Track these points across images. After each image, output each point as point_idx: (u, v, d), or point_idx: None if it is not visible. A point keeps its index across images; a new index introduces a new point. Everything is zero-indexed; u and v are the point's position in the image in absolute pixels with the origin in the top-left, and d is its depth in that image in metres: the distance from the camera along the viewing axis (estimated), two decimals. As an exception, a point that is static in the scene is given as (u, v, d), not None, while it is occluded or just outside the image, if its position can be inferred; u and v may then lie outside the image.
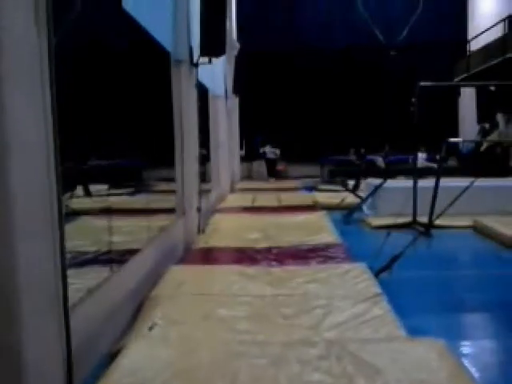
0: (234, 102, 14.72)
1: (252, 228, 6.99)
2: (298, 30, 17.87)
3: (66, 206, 2.64)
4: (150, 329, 3.27)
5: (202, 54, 6.15)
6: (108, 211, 4.45)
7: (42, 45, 2.28)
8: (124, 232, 4.81)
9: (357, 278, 4.31)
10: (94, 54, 4.29)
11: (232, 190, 12.78)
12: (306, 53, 17.53)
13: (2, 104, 2.02)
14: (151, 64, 5.98)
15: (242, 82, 14.58)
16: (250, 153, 17.58)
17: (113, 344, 3.18)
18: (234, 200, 10.77)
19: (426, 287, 4.83)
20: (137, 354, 2.86)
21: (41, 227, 2.30)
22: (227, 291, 4.09)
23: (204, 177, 8.64)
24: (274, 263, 5.06)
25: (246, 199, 10.64)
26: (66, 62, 2.64)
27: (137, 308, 3.73)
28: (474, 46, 15.29)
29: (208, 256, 5.60)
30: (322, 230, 6.78)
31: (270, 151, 15.72)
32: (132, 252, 4.18)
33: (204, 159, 8.13)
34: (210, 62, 6.45)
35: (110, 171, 5.31)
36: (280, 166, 17.68)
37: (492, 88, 14.02)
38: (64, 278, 2.44)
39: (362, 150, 13.44)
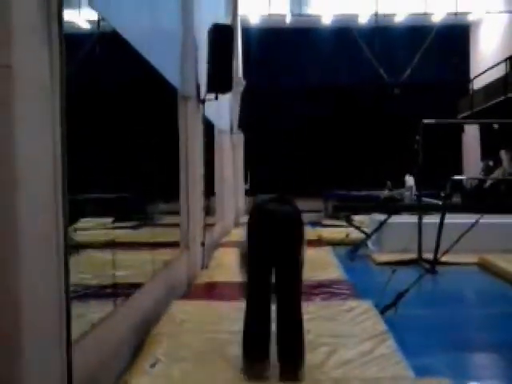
0: (239, 136, 14.88)
1: (256, 263, 6.94)
2: (303, 68, 18.19)
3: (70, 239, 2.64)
4: (153, 366, 3.22)
5: (209, 90, 6.26)
6: (111, 244, 4.43)
7: (54, 82, 2.33)
8: (126, 266, 4.78)
9: (362, 315, 4.25)
10: (102, 91, 4.38)
11: (236, 224, 12.76)
12: (310, 90, 17.80)
13: (12, 139, 2.05)
14: (158, 100, 6.08)
15: (248, 118, 14.77)
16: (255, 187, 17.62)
17: (115, 381, 3.12)
18: (238, 234, 10.74)
19: (432, 325, 4.77)
20: (138, 392, 2.81)
21: (46, 260, 2.30)
22: (230, 328, 4.03)
23: (208, 210, 8.65)
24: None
25: (250, 234, 10.59)
26: (74, 97, 2.69)
27: (139, 344, 3.68)
28: (477, 84, 15.52)
29: (211, 291, 5.55)
30: (327, 265, 6.73)
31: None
32: (135, 286, 4.15)
33: (208, 193, 8.16)
34: (216, 98, 6.55)
35: (114, 204, 5.33)
36: None
37: (495, 126, 14.15)
38: (68, 312, 2.42)
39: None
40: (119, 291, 3.93)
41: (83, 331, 2.85)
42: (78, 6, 3.62)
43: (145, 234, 6.61)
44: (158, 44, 4.88)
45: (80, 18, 3.82)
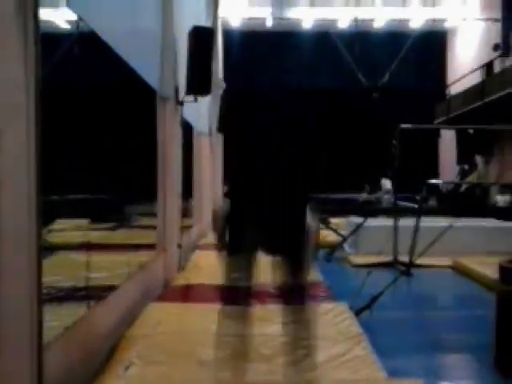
0: (218, 139, 14.85)
1: (233, 265, 6.93)
2: (284, 72, 18.27)
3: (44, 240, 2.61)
4: (126, 368, 3.20)
5: (188, 92, 6.24)
6: (87, 246, 4.39)
7: (29, 83, 2.30)
8: (102, 268, 4.73)
9: (337, 317, 4.29)
10: (80, 92, 4.34)
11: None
12: (289, 92, 17.88)
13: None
14: (135, 101, 6.05)
15: (227, 120, 14.75)
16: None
17: (87, 384, 3.09)
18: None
19: (406, 327, 4.83)
20: (111, 395, 2.79)
21: (18, 262, 2.27)
22: (206, 330, 4.02)
23: (186, 212, 8.62)
24: (253, 302, 5.00)
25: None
26: (52, 98, 2.67)
27: (113, 347, 3.64)
28: (454, 89, 15.79)
29: (187, 294, 5.53)
30: (303, 268, 6.74)
31: None
32: (109, 288, 4.12)
33: (186, 195, 8.13)
34: (195, 100, 6.54)
35: (91, 206, 5.29)
36: None
37: (470, 131, 14.42)
38: (39, 314, 2.39)
39: None
40: (93, 293, 3.90)
41: (56, 334, 2.82)
42: (56, 6, 3.58)
43: (121, 235, 6.57)
44: (136, 45, 4.84)
45: (58, 18, 3.79)
